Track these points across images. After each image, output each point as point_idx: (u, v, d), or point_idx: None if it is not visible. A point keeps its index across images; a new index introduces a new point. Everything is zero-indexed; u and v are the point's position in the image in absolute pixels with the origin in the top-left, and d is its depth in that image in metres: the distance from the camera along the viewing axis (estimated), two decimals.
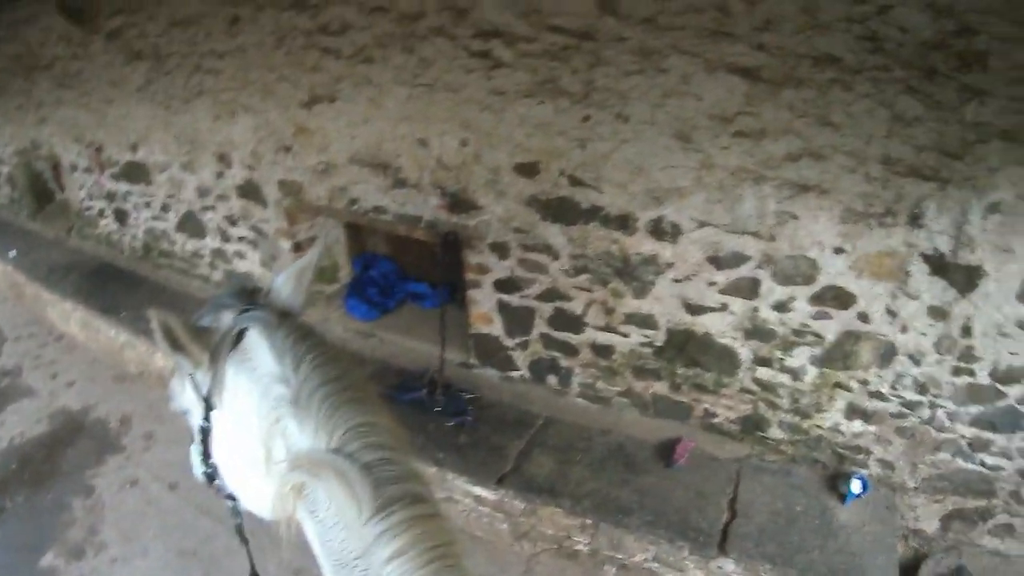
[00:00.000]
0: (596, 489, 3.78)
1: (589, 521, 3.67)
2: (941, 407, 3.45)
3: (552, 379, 4.60)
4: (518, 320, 4.53)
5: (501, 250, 4.34)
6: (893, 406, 3.55)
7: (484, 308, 4.64)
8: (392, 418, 1.32)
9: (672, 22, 3.37)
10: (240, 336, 1.41)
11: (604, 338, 4.25)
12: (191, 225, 6.20)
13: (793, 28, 3.13)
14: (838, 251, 3.38)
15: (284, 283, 1.59)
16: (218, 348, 1.40)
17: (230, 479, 1.52)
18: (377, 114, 4.47)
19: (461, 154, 4.22)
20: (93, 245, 7.49)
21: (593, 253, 4.02)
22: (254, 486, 1.40)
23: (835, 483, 3.69)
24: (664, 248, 3.81)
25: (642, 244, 3.86)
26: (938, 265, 3.19)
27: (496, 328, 4.66)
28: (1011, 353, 3.19)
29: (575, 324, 4.31)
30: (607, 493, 3.75)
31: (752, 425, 3.99)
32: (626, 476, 3.86)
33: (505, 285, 4.46)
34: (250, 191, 5.50)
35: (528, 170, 4.02)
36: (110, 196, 6.90)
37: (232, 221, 5.83)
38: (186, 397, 1.56)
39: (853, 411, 3.67)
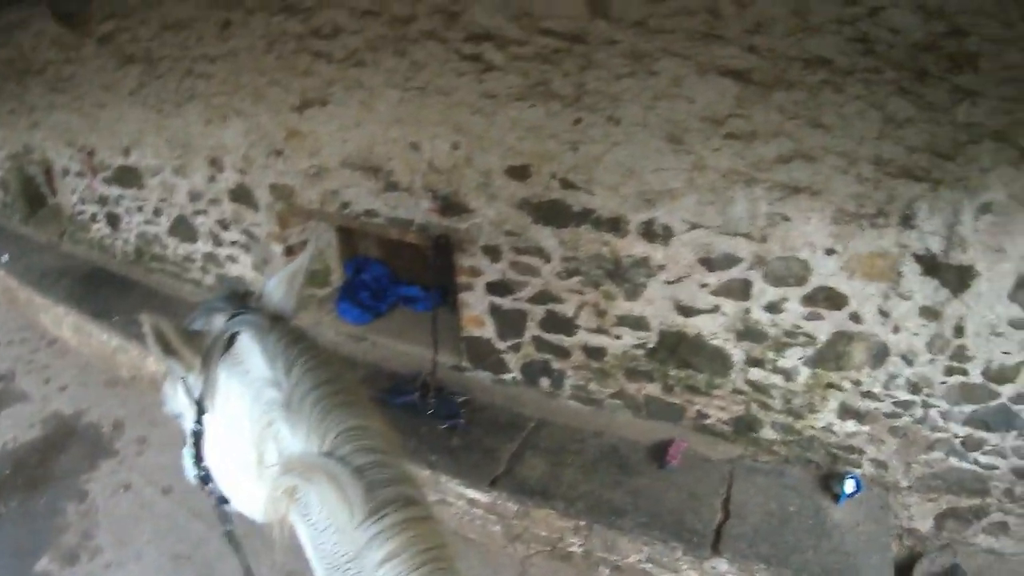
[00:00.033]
0: (589, 491, 3.73)
1: (583, 523, 3.62)
2: (934, 406, 3.42)
3: (544, 381, 4.55)
4: (510, 323, 4.49)
5: (493, 253, 4.30)
6: (886, 406, 3.52)
7: (476, 311, 4.59)
8: (384, 421, 1.31)
9: (663, 25, 3.34)
10: (232, 340, 1.40)
11: (596, 340, 4.20)
12: (183, 229, 6.13)
13: (784, 30, 3.10)
14: (830, 252, 3.35)
15: (275, 287, 1.58)
16: (210, 352, 1.39)
17: (223, 482, 1.50)
18: (369, 117, 4.43)
19: (453, 157, 4.18)
20: (85, 249, 7.41)
21: (585, 255, 3.98)
22: (247, 489, 1.38)
23: (828, 483, 3.66)
24: (656, 250, 3.77)
25: (634, 246, 3.82)
26: (930, 265, 3.16)
27: (488, 331, 4.62)
28: (1004, 352, 3.17)
29: (567, 326, 4.26)
30: (600, 495, 3.71)
31: (745, 426, 3.96)
32: (619, 478, 3.81)
33: (497, 288, 4.41)
34: (242, 195, 5.44)
35: (520, 173, 3.98)
36: (102, 200, 6.82)
37: (224, 225, 5.76)
38: (178, 401, 1.55)
39: (846, 411, 3.64)
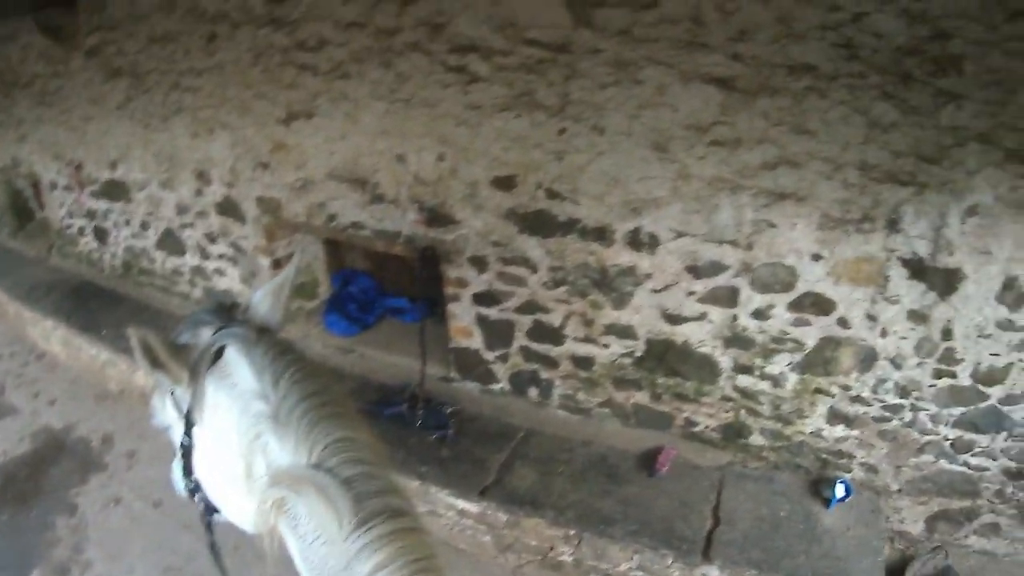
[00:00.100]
0: (579, 500, 3.66)
1: (573, 532, 3.55)
2: (923, 410, 3.37)
3: (533, 391, 4.47)
4: (498, 333, 4.40)
5: (479, 264, 4.22)
6: (875, 410, 3.47)
7: (463, 322, 4.51)
8: (371, 432, 1.31)
9: (647, 34, 3.27)
10: (219, 353, 1.39)
11: (584, 349, 4.12)
12: (171, 243, 6.01)
13: (768, 37, 3.04)
14: (816, 258, 3.29)
15: (262, 299, 1.58)
16: (197, 365, 1.38)
17: (212, 494, 1.49)
18: (354, 130, 4.34)
19: (438, 169, 4.10)
20: (74, 263, 7.26)
21: (571, 265, 3.91)
22: (236, 502, 1.37)
23: (818, 488, 3.60)
24: (642, 259, 3.70)
25: (620, 255, 3.75)
26: (917, 269, 3.11)
27: (476, 341, 4.53)
28: (992, 354, 3.13)
29: (555, 336, 4.18)
30: (590, 503, 3.63)
31: (734, 432, 3.89)
32: (609, 486, 3.74)
33: (484, 298, 4.33)
34: (229, 208, 5.33)
35: (505, 184, 3.91)
36: (90, 214, 6.69)
37: (211, 238, 5.65)
38: (167, 414, 1.55)
39: (835, 416, 3.58)
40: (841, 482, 3.52)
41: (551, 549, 3.65)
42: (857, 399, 3.49)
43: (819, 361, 3.49)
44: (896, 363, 3.33)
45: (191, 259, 5.95)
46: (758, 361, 3.64)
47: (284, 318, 1.58)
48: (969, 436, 3.34)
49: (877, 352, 3.35)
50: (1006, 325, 3.06)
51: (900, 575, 3.50)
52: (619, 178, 3.57)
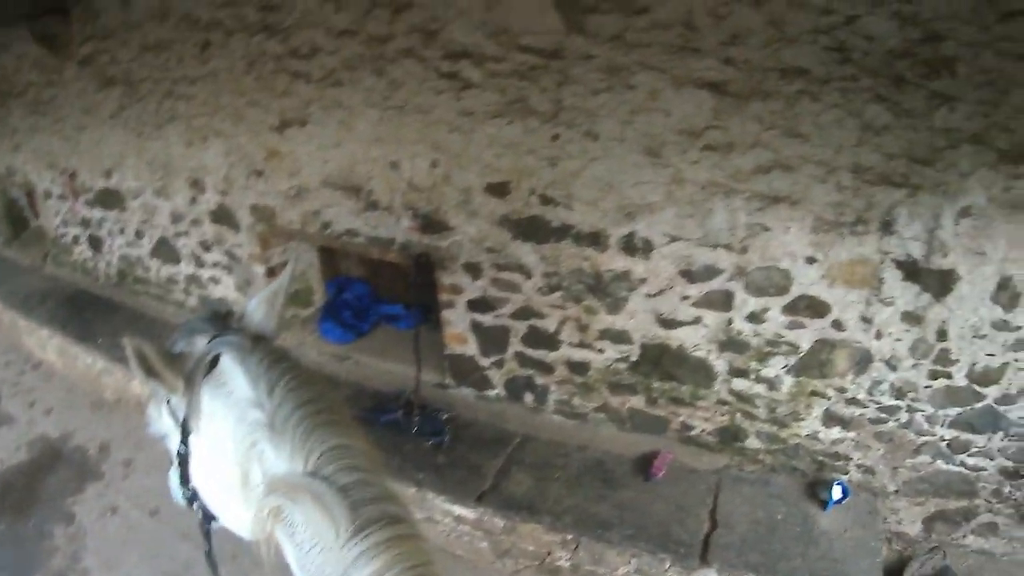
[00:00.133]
0: (576, 505, 3.63)
1: (570, 537, 3.51)
2: (919, 411, 3.35)
3: (528, 397, 4.43)
4: (493, 339, 4.36)
5: (474, 270, 4.18)
6: (871, 412, 3.44)
7: (458, 328, 4.46)
8: (367, 440, 1.30)
9: (639, 39, 3.24)
10: (215, 361, 1.38)
11: (579, 355, 4.08)
12: (165, 251, 5.95)
13: (760, 41, 3.01)
14: (810, 261, 3.26)
15: (256, 307, 1.58)
16: (192, 373, 1.38)
17: (210, 502, 1.48)
18: (348, 137, 4.30)
19: (432, 175, 4.06)
20: (69, 272, 7.20)
21: (566, 271, 3.87)
22: (233, 510, 1.36)
23: (815, 490, 3.57)
24: (636, 264, 3.67)
25: (614, 260, 3.72)
26: (911, 271, 3.09)
27: (471, 348, 4.49)
28: (987, 354, 3.10)
29: (550, 342, 4.14)
30: (587, 508, 3.60)
31: (730, 436, 3.85)
32: (605, 491, 3.71)
33: (479, 305, 4.29)
34: (223, 216, 5.28)
35: (499, 190, 3.87)
36: (85, 223, 6.63)
37: (206, 247, 5.60)
38: (163, 423, 1.55)
39: (831, 418, 3.55)
40: (838, 484, 3.49)
41: (548, 554, 3.61)
42: (853, 401, 3.46)
43: (814, 364, 3.46)
44: (891, 365, 3.30)
45: (186, 267, 5.89)
46: (753, 364, 3.61)
47: (279, 326, 1.56)
48: (965, 436, 3.32)
49: (872, 354, 3.32)
50: (1001, 325, 3.03)
51: None
52: (612, 183, 3.54)
